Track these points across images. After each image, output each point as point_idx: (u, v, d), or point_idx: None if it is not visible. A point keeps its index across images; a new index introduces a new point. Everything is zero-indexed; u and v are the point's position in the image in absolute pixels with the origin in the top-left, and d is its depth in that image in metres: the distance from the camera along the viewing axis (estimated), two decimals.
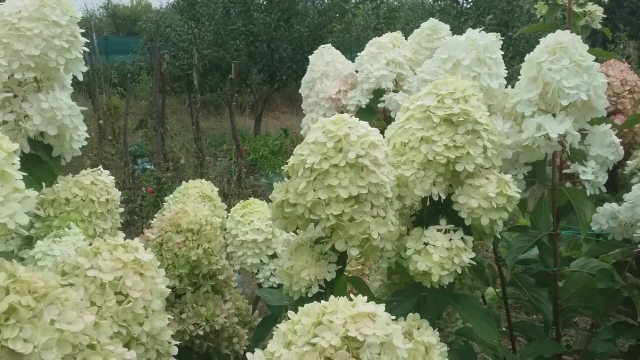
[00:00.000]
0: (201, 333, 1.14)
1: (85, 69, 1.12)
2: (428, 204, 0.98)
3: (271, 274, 1.38)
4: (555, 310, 1.08)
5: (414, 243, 0.92)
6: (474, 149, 0.89)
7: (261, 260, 1.39)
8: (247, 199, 1.40)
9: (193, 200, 1.42)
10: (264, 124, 8.45)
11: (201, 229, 1.19)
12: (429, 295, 0.94)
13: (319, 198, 0.83)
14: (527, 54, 1.04)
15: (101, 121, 5.58)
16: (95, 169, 1.10)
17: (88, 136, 1.11)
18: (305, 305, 0.67)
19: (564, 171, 1.12)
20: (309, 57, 1.55)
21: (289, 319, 0.68)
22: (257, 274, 1.42)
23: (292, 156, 0.90)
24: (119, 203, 1.10)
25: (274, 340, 0.65)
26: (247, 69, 8.52)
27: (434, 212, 0.98)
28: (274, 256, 1.38)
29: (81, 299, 0.60)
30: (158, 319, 0.73)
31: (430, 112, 0.90)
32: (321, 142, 0.84)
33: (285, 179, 0.92)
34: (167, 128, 5.84)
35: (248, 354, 0.66)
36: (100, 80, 6.61)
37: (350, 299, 0.65)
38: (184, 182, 1.54)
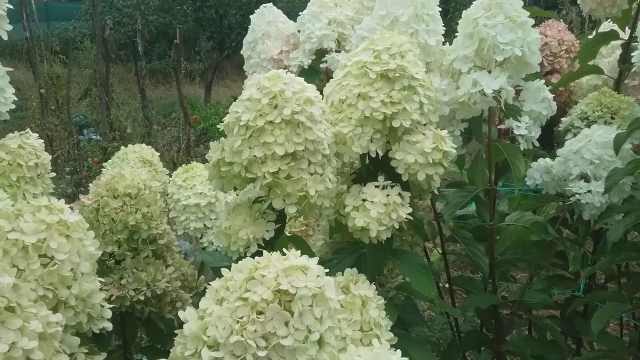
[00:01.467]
0: (142, 298, 1.12)
1: (9, 27, 1.05)
2: (367, 161, 0.98)
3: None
4: (492, 263, 1.11)
5: (353, 200, 0.92)
6: (410, 105, 0.89)
7: (204, 225, 1.38)
8: None
9: (132, 165, 1.38)
10: (215, 92, 8.28)
11: (139, 193, 1.16)
12: (368, 251, 0.95)
13: (255, 156, 0.82)
14: (464, 11, 1.04)
15: (43, 90, 5.35)
16: (23, 132, 1.05)
17: (16, 99, 1.06)
18: (239, 261, 0.67)
19: (499, 127, 1.14)
20: (250, 16, 1.51)
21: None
22: (201, 238, 1.40)
23: (227, 114, 0.88)
24: (50, 168, 1.06)
25: (206, 297, 0.64)
26: (195, 36, 8.31)
27: (372, 169, 0.98)
28: (216, 220, 1.36)
29: None
30: (87, 282, 0.71)
31: (367, 68, 0.89)
32: (256, 98, 0.82)
33: (221, 138, 0.90)
34: (113, 97, 5.65)
35: (180, 312, 0.65)
36: (41, 48, 6.31)
37: (284, 254, 0.64)
38: (122, 147, 1.49)
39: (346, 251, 1.01)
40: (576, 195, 1.05)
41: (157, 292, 1.15)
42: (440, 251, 1.25)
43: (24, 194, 0.99)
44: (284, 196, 0.84)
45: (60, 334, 0.61)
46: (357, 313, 0.78)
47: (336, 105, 0.93)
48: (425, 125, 0.94)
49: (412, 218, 0.92)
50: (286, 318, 0.59)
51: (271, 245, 0.90)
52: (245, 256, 0.89)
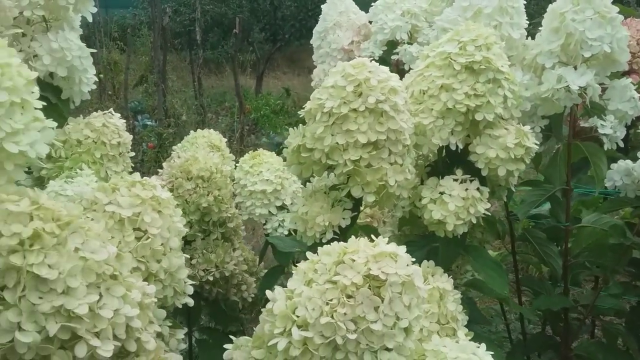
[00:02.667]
0: (211, 279, 1.14)
1: (94, 9, 1.09)
2: (444, 154, 0.97)
3: (279, 224, 1.38)
4: (565, 265, 1.09)
5: (430, 192, 0.91)
6: (494, 98, 0.88)
7: (269, 211, 1.39)
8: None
9: (202, 150, 1.41)
10: (265, 83, 8.36)
11: (211, 176, 1.19)
12: (441, 245, 0.94)
13: (337, 143, 0.82)
14: (550, 5, 1.02)
15: (101, 75, 5.52)
16: (106, 111, 1.09)
17: (97, 79, 1.09)
18: (325, 246, 0.67)
19: (582, 124, 1.11)
20: (322, 6, 1.52)
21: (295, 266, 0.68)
22: (265, 224, 1.42)
23: (309, 101, 0.89)
24: (130, 147, 1.09)
25: (294, 278, 0.65)
26: (249, 27, 8.38)
27: (449, 162, 0.97)
28: (282, 207, 1.38)
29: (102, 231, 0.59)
30: (175, 257, 0.73)
31: (451, 59, 0.88)
32: (340, 85, 0.82)
33: (301, 125, 0.91)
34: (168, 84, 5.78)
35: (267, 292, 0.67)
36: (101, 34, 6.49)
37: (371, 240, 0.64)
38: (192, 132, 1.52)
39: (417, 244, 1.00)
40: None
41: (224, 274, 1.17)
42: (495, 253, 1.23)
43: (106, 171, 1.03)
44: (363, 184, 0.85)
45: (153, 305, 0.63)
46: (434, 305, 0.78)
47: (416, 96, 0.92)
48: (507, 120, 0.92)
49: (489, 214, 0.91)
50: (376, 303, 0.59)
51: (344, 233, 0.91)
52: (320, 242, 0.90)
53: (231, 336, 0.72)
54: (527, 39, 1.06)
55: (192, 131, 1.52)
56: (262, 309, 1.47)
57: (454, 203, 0.88)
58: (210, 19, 8.57)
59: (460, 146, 0.91)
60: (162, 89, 5.18)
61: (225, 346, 0.70)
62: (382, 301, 0.59)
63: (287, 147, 0.92)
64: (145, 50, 7.36)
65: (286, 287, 1.50)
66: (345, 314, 0.59)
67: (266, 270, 1.37)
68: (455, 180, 0.91)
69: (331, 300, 0.60)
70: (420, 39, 1.36)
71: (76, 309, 0.51)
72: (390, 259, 0.61)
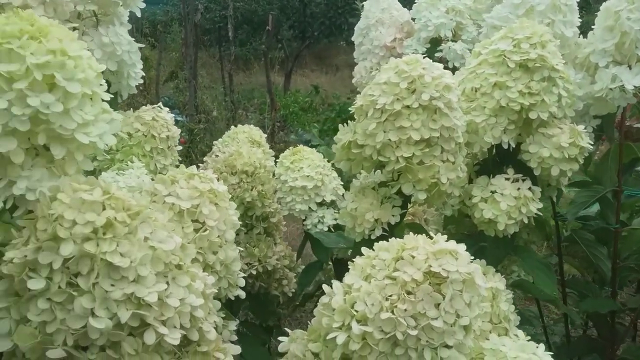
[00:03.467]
0: (254, 273, 1.15)
1: (143, 5, 1.11)
2: (493, 153, 0.96)
3: (319, 220, 1.38)
4: (614, 267, 1.07)
5: (480, 191, 0.90)
6: (549, 97, 0.87)
7: (309, 207, 1.39)
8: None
9: (244, 145, 1.42)
10: (293, 81, 8.37)
11: (255, 171, 1.19)
12: (490, 244, 0.93)
13: (389, 139, 0.82)
14: (604, 3, 1.00)
15: None
16: (155, 105, 1.10)
17: (144, 74, 1.11)
18: (380, 242, 0.67)
19: (632, 125, 1.09)
20: (364, 3, 1.51)
21: (333, 263, 0.68)
22: (304, 220, 1.42)
23: (358, 97, 0.89)
24: (177, 141, 1.11)
25: (351, 274, 0.65)
26: (278, 24, 8.40)
27: (499, 161, 0.96)
28: (322, 204, 1.38)
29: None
30: (230, 249, 0.74)
31: (505, 56, 0.88)
32: (394, 82, 0.82)
33: (350, 121, 0.91)
34: (198, 81, 5.82)
35: (324, 286, 0.67)
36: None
37: (430, 237, 0.64)
38: (232, 127, 1.53)
39: (463, 243, 0.99)
40: None
41: (267, 268, 1.18)
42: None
43: (155, 164, 1.04)
44: (414, 182, 0.84)
45: (212, 296, 0.64)
46: (487, 305, 0.77)
47: (468, 94, 0.91)
48: (560, 119, 0.91)
49: (541, 214, 0.90)
50: (437, 300, 0.59)
51: (393, 229, 0.91)
52: (368, 238, 0.90)
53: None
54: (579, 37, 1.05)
55: (232, 127, 1.54)
56: (298, 305, 1.48)
57: (506, 202, 0.87)
58: (240, 16, 8.62)
59: (513, 145, 0.90)
60: (194, 84, 5.23)
61: (280, 338, 0.70)
62: (444, 298, 0.59)
63: (335, 144, 0.92)
64: (175, 47, 7.43)
65: (324, 283, 1.51)
66: (405, 310, 0.59)
67: (303, 267, 1.38)
68: (507, 179, 0.90)
69: (391, 296, 0.60)
70: (465, 36, 1.35)
71: (146, 296, 0.52)
72: (450, 256, 0.61)
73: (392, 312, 0.59)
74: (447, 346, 0.60)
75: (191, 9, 5.18)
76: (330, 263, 1.47)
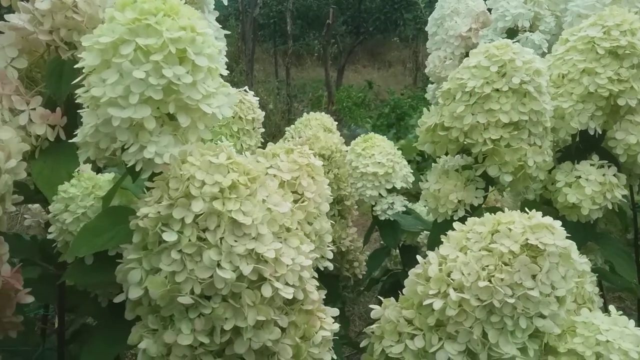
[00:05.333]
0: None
1: None
2: (577, 139, 0.96)
3: (389, 207, 1.41)
4: None
5: (564, 176, 0.91)
6: (637, 84, 0.87)
7: (380, 193, 1.43)
8: None
9: (319, 130, 1.46)
10: (345, 76, 8.40)
11: (332, 155, 1.23)
12: (571, 230, 0.94)
13: (478, 122, 0.84)
14: None
15: None
16: (241, 88, 1.16)
17: (227, 60, 1.16)
18: (471, 218, 0.70)
19: None
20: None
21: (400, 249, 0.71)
22: (374, 206, 1.45)
23: (446, 81, 0.91)
24: (261, 124, 1.16)
25: (445, 245, 0.68)
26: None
27: (582, 148, 0.97)
28: (392, 190, 1.41)
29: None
30: (324, 221, 0.78)
31: (594, 43, 0.88)
32: (484, 66, 0.84)
33: (436, 104, 0.93)
34: (254, 74, 5.93)
35: (418, 257, 0.70)
36: None
37: (526, 212, 0.66)
38: (304, 114, 1.58)
39: None
40: None
41: (341, 249, 1.22)
42: None
43: (241, 144, 1.10)
44: (500, 164, 0.86)
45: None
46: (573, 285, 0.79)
47: (554, 80, 0.92)
48: None
49: (626, 200, 0.90)
50: (533, 271, 0.61)
51: (473, 212, 0.93)
52: (449, 219, 0.93)
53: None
54: None
55: (304, 114, 1.58)
56: (363, 289, 1.50)
57: (591, 187, 0.88)
58: (295, 11, 8.70)
59: (599, 131, 0.91)
60: (251, 78, 5.34)
61: (371, 306, 0.74)
62: (540, 270, 0.61)
63: (420, 126, 0.95)
64: (231, 41, 7.58)
65: (390, 270, 1.53)
66: (502, 279, 0.61)
67: (368, 252, 1.41)
68: (592, 165, 0.91)
69: (487, 266, 0.63)
70: (542, 27, 1.35)
71: (265, 253, 0.57)
72: (547, 230, 0.63)
73: (490, 281, 0.61)
74: (542, 316, 0.62)
75: (250, 3, 5.28)
76: (397, 249, 1.50)
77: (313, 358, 0.64)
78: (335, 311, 0.68)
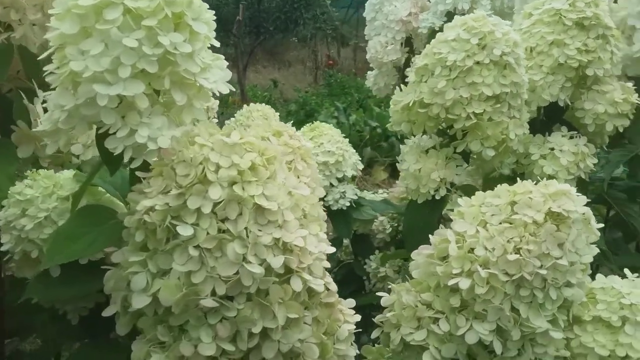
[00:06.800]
0: None
1: None
2: (542, 113, 0.98)
3: (341, 196, 1.37)
4: None
5: (538, 149, 0.92)
6: (604, 54, 0.89)
7: (330, 183, 1.38)
8: None
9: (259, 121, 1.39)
10: (246, 77, 8.28)
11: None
12: None
13: (461, 96, 0.82)
14: None
15: None
16: None
17: None
18: (478, 193, 0.67)
19: None
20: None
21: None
22: (325, 197, 1.41)
23: (420, 56, 0.88)
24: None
25: (460, 222, 0.64)
26: (233, 18, 8.29)
27: (546, 121, 0.98)
28: (342, 179, 1.37)
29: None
30: (320, 208, 0.72)
31: (561, 15, 0.89)
32: (464, 38, 0.82)
33: (410, 82, 0.90)
34: None
35: (431, 237, 0.66)
36: None
37: (538, 181, 0.65)
38: (245, 106, 1.50)
39: None
40: None
41: None
42: None
43: None
44: (482, 139, 0.85)
45: None
46: None
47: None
48: (610, 76, 0.93)
49: (595, 169, 0.92)
50: (560, 240, 0.59)
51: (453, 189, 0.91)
52: (432, 199, 0.90)
53: None
54: None
55: (244, 105, 1.50)
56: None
57: (566, 158, 0.89)
58: None
59: (569, 102, 0.92)
60: None
61: (379, 294, 0.69)
62: (567, 238, 0.59)
63: (393, 106, 0.92)
64: None
65: (341, 261, 1.48)
66: (530, 250, 0.59)
67: None
68: (564, 136, 0.92)
69: (512, 238, 0.60)
70: (480, 9, 1.36)
71: (293, 241, 0.50)
72: (567, 197, 0.61)
73: (519, 253, 0.59)
74: (569, 285, 0.61)
75: None
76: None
77: (338, 355, 0.58)
78: (352, 302, 0.62)
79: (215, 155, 0.49)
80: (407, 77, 1.39)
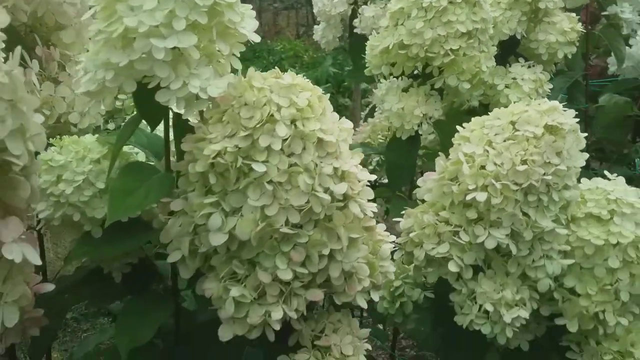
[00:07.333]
0: None
1: None
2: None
3: None
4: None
5: (502, 79, 1.01)
6: None
7: None
8: None
9: None
10: None
11: None
12: None
13: (439, 35, 0.89)
14: None
15: None
16: None
17: None
18: (477, 117, 0.75)
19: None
20: None
21: None
22: None
23: (393, 1, 0.94)
24: None
25: (468, 145, 0.72)
26: None
27: (501, 54, 1.07)
28: None
29: None
30: None
31: None
32: None
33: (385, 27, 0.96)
34: None
35: (437, 160, 0.73)
36: None
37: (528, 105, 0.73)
38: None
39: None
40: None
41: None
42: None
43: None
44: (458, 74, 0.92)
45: None
46: None
47: None
48: (557, 9, 1.04)
49: (550, 93, 1.03)
50: (557, 149, 0.68)
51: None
52: (415, 134, 0.97)
53: None
54: None
55: None
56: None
57: (527, 85, 0.99)
58: None
59: (525, 35, 1.01)
60: None
61: (395, 219, 0.76)
62: (564, 146, 0.68)
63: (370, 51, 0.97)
64: None
65: None
66: (534, 161, 0.67)
67: None
68: (523, 66, 1.01)
69: (517, 152, 0.68)
70: None
71: (350, 169, 0.55)
72: (558, 112, 0.70)
73: (526, 163, 0.67)
74: (567, 187, 0.70)
75: None
76: None
77: (381, 272, 0.65)
78: (382, 226, 0.69)
79: (275, 97, 0.53)
80: (354, 28, 1.45)
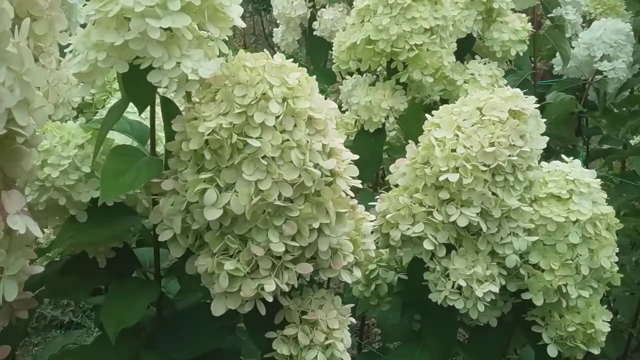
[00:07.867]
0: None
1: None
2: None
3: None
4: None
5: (460, 75, 1.07)
6: None
7: None
8: None
9: None
10: None
11: None
12: None
13: (404, 30, 0.93)
14: None
15: None
16: None
17: None
18: (445, 105, 0.79)
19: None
20: None
21: None
22: None
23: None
24: None
25: (438, 130, 0.76)
26: None
27: (458, 52, 1.13)
28: None
29: None
30: None
31: None
32: None
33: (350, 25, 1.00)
34: None
35: (407, 147, 0.77)
36: None
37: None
38: None
39: None
40: (603, 72, 1.29)
41: None
42: None
43: None
44: (422, 68, 0.97)
45: None
46: None
47: None
48: (509, 10, 1.11)
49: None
50: (521, 132, 0.73)
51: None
52: (381, 128, 1.02)
53: None
54: None
55: None
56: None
57: (484, 81, 1.05)
58: None
59: (481, 34, 1.07)
60: None
61: (371, 203, 0.79)
62: (527, 130, 0.73)
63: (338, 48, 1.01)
64: None
65: None
66: (501, 143, 0.72)
67: None
68: (480, 63, 1.07)
69: (485, 135, 0.73)
70: None
71: (337, 146, 0.58)
72: (520, 99, 0.76)
73: (494, 145, 0.72)
74: (530, 168, 0.75)
75: None
76: None
77: (363, 250, 0.68)
78: (362, 206, 0.72)
79: (267, 76, 0.55)
80: (314, 30, 1.49)
